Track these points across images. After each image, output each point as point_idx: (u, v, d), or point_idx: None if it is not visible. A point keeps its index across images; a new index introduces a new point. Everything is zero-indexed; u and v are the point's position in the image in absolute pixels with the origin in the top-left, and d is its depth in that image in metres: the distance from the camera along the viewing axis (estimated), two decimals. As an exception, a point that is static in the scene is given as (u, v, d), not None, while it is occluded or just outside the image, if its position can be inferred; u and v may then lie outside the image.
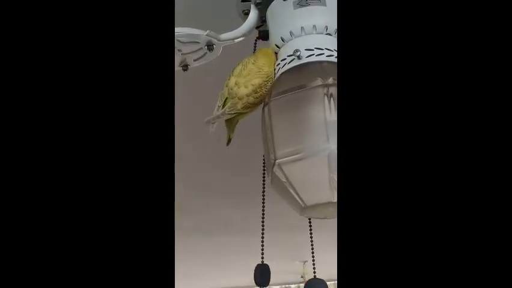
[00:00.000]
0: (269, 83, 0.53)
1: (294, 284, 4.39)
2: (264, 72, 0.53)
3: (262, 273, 0.56)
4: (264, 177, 0.54)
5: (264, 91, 0.53)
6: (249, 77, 0.53)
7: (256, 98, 0.53)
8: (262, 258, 0.54)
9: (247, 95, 0.53)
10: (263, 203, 0.55)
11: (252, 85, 0.53)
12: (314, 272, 0.56)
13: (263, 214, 0.55)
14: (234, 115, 0.54)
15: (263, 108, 0.53)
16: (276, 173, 0.50)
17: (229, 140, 0.59)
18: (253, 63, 0.54)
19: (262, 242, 0.54)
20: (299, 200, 0.50)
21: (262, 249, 0.54)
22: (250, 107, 0.54)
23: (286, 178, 0.50)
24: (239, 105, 0.53)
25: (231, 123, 0.57)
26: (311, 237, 0.57)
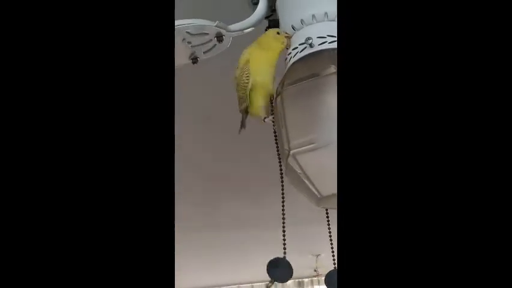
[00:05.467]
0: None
1: (308, 278, 4.38)
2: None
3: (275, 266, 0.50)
4: (281, 167, 0.52)
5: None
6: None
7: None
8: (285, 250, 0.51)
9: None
10: (282, 192, 0.53)
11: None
12: (334, 264, 0.55)
13: (283, 203, 0.52)
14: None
15: (275, 98, 0.52)
16: (291, 164, 0.49)
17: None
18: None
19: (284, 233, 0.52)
20: (315, 191, 0.49)
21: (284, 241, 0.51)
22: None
23: (301, 169, 0.49)
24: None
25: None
26: (329, 229, 0.56)
